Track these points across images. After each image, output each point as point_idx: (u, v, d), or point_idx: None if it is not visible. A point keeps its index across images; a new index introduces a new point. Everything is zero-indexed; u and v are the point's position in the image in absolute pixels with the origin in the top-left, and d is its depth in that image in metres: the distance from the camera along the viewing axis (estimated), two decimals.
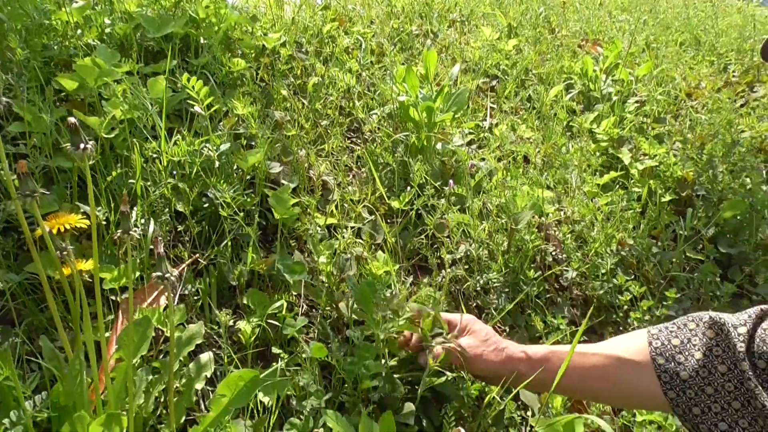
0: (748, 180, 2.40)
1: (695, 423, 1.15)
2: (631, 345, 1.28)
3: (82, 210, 1.48)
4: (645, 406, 1.37)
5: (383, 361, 1.41)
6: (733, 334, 1.14)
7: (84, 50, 1.88)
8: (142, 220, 1.52)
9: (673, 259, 2.13)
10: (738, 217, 2.28)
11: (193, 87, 1.61)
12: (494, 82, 2.88)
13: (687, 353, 1.19)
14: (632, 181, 2.40)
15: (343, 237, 1.73)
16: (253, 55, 2.27)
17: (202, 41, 2.13)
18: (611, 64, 3.01)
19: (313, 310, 1.63)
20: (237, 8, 2.34)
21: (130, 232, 1.07)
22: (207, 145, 1.66)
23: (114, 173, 1.52)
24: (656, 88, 2.98)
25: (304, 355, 1.44)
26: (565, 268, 1.95)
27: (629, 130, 2.64)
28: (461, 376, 1.44)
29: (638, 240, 2.09)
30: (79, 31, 1.93)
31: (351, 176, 2.08)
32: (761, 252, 2.26)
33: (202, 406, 1.34)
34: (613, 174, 2.33)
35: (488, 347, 1.38)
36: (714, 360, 1.15)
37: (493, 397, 1.44)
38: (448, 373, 1.40)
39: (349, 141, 2.24)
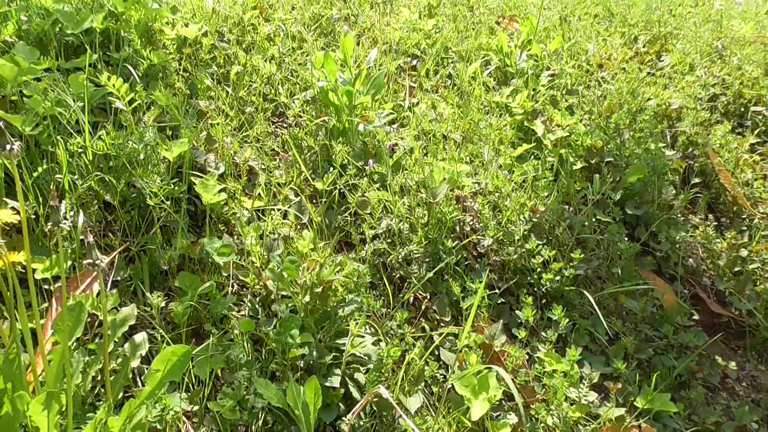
0: (652, 146, 2.59)
1: None
2: None
3: (10, 206, 1.53)
4: None
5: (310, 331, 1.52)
6: None
7: (1, 47, 1.90)
8: (72, 212, 1.58)
9: (585, 223, 2.29)
10: (642, 181, 2.46)
11: (113, 85, 1.67)
12: (415, 62, 2.99)
13: None
14: (546, 151, 2.55)
15: (271, 218, 1.82)
16: (175, 46, 2.32)
17: (122, 35, 2.17)
18: (525, 39, 3.16)
19: (244, 289, 1.73)
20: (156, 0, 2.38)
21: (60, 225, 1.14)
22: (131, 137, 1.72)
23: (40, 169, 1.57)
24: (569, 61, 3.14)
25: (236, 331, 1.53)
26: (480, 236, 2.09)
27: (542, 103, 2.79)
28: (382, 339, 1.56)
29: (550, 206, 2.24)
30: None
31: (277, 160, 2.17)
32: (665, 212, 2.46)
33: (139, 383, 1.43)
34: (526, 146, 2.48)
35: None
36: None
37: (413, 357, 1.57)
38: (368, 337, 1.52)
39: (274, 126, 2.32)
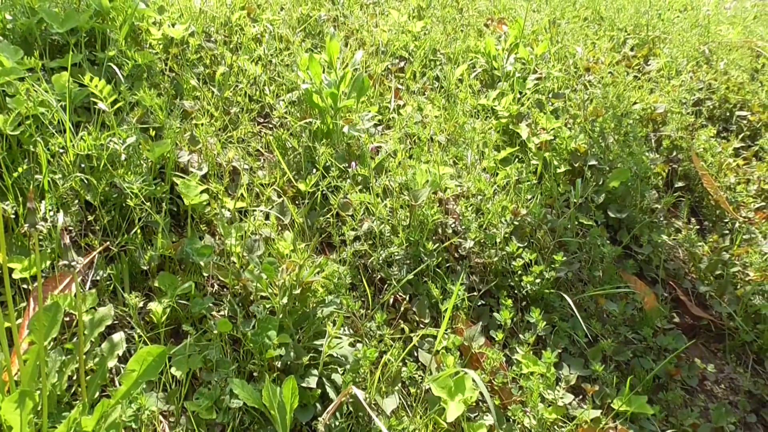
0: (636, 150, 2.61)
1: None
2: None
3: None
4: None
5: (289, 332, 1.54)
6: None
7: None
8: (51, 212, 1.59)
9: (567, 226, 2.31)
10: (625, 184, 2.48)
11: (96, 86, 1.68)
12: (402, 64, 3.01)
13: None
14: (530, 154, 2.57)
15: (253, 219, 1.83)
16: (162, 46, 2.32)
17: (108, 34, 2.17)
18: (513, 42, 3.17)
19: (224, 290, 1.74)
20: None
21: (37, 226, 1.15)
22: (113, 138, 1.73)
23: (21, 168, 1.58)
24: (556, 65, 3.16)
25: (214, 331, 1.55)
26: (461, 238, 2.10)
27: (528, 106, 2.81)
28: (359, 340, 1.58)
29: (532, 210, 2.26)
30: None
31: (261, 161, 2.18)
32: (647, 216, 2.48)
33: (117, 383, 1.44)
34: (510, 149, 2.50)
35: None
36: None
37: (390, 359, 1.58)
38: (345, 338, 1.53)
39: (259, 127, 2.33)
